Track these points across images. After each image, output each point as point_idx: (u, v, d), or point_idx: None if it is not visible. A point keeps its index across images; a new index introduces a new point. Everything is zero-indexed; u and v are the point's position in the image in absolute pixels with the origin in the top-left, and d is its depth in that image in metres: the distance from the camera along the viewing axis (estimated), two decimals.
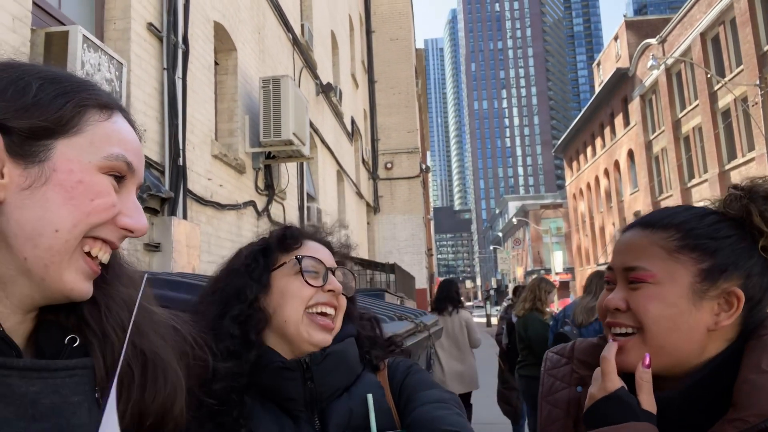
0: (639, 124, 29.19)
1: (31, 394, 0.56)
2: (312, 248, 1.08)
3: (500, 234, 78.97)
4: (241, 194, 6.14)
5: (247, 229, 6.15)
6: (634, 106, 29.51)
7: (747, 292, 0.83)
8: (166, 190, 4.38)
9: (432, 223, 32.46)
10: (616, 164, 33.14)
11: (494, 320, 24.04)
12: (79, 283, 0.63)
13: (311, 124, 7.99)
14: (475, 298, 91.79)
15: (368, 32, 16.92)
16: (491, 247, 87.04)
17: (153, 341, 0.69)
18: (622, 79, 30.55)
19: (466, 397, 5.61)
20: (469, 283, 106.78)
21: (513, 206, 68.72)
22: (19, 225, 0.59)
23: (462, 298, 5.99)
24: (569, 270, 46.24)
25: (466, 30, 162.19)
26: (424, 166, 20.36)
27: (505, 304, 7.65)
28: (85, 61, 3.29)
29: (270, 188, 6.91)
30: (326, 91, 9.84)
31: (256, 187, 6.59)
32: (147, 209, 4.21)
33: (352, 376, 1.03)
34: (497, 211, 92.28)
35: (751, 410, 0.75)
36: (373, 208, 16.11)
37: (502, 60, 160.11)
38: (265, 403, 0.98)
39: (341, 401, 0.99)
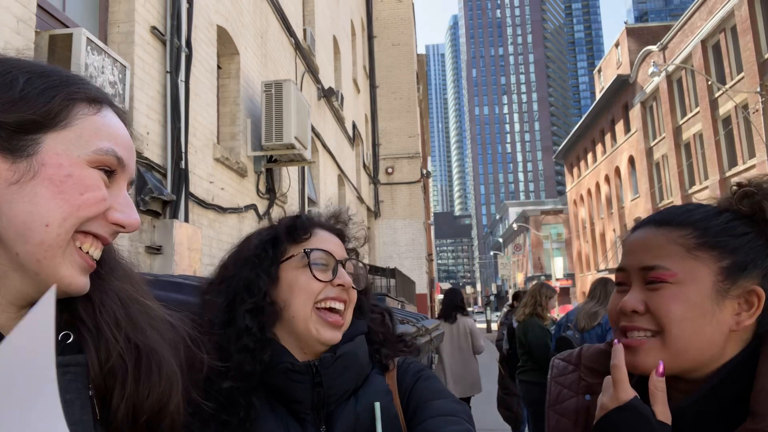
0: (640, 130, 29.23)
1: None
2: (322, 238, 1.04)
3: (500, 240, 78.94)
4: (243, 198, 6.14)
5: (248, 233, 6.14)
6: (635, 113, 29.56)
7: (765, 291, 0.80)
8: (168, 193, 4.39)
9: (432, 228, 32.45)
10: (617, 170, 33.16)
11: (494, 326, 24.00)
12: (76, 278, 0.62)
13: (313, 129, 8.00)
14: (476, 303, 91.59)
15: (370, 37, 16.98)
16: (491, 253, 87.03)
17: (149, 336, 0.68)
18: (623, 86, 30.62)
19: (465, 402, 5.62)
20: (469, 289, 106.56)
21: (513, 212, 68.71)
22: (9, 220, 0.58)
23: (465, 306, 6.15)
24: (569, 276, 46.19)
25: (468, 36, 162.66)
26: (424, 171, 20.38)
27: (505, 309, 7.63)
28: (88, 63, 3.30)
29: (271, 192, 6.91)
30: (328, 95, 9.86)
31: (258, 190, 6.60)
32: (149, 212, 4.22)
33: (361, 378, 1.01)
34: (497, 217, 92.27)
35: None
36: (374, 213, 16.12)
37: (503, 66, 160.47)
38: (271, 403, 0.96)
39: (348, 406, 0.97)
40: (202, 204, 5.10)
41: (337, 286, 0.99)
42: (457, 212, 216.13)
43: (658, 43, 26.38)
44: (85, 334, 0.64)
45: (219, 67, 6.01)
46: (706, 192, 22.82)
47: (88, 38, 3.30)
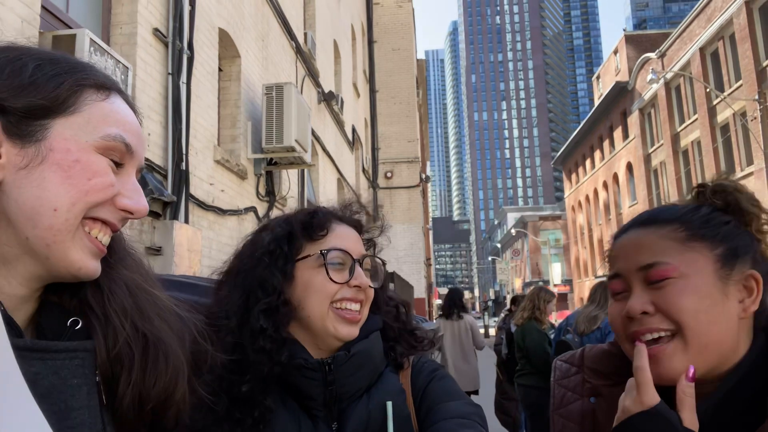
0: (638, 137, 29.31)
1: (30, 374, 0.55)
2: (339, 235, 1.01)
3: (499, 245, 78.96)
4: (243, 200, 6.15)
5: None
6: (633, 120, 29.65)
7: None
8: (168, 194, 4.39)
9: (431, 232, 32.45)
10: (615, 177, 33.23)
11: (492, 331, 23.97)
12: (86, 261, 0.62)
13: (313, 132, 8.02)
14: (473, 308, 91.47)
15: (370, 42, 17.03)
16: (490, 258, 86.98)
17: (156, 325, 0.69)
18: (622, 93, 30.72)
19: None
20: (467, 294, 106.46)
21: (512, 217, 68.80)
22: (19, 205, 0.59)
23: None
24: (567, 282, 46.19)
25: (467, 42, 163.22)
26: (423, 176, 20.40)
27: (503, 314, 7.63)
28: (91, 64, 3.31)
29: (271, 194, 6.92)
30: (328, 99, 9.88)
31: (258, 193, 6.61)
32: (149, 213, 4.22)
33: (375, 376, 0.99)
34: (496, 222, 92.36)
35: None
36: (373, 217, 16.10)
37: (502, 72, 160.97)
38: (284, 398, 0.95)
39: (360, 404, 0.95)
40: (202, 206, 5.10)
41: (353, 287, 0.97)
42: (455, 217, 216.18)
43: (657, 51, 26.49)
44: (93, 320, 0.65)
45: (220, 70, 6.03)
46: None
47: (91, 39, 3.32)
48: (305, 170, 8.30)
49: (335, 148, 10.96)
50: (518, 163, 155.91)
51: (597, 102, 34.76)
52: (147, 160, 4.24)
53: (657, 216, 0.85)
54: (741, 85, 19.95)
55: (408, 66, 18.59)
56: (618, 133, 32.29)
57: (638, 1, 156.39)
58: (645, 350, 0.77)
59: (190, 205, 4.75)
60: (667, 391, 0.76)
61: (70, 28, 3.64)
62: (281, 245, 0.99)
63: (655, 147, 27.95)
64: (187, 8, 4.83)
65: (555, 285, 41.38)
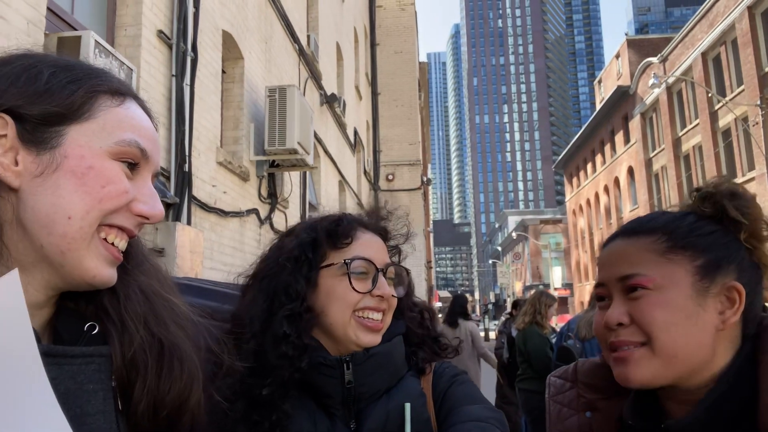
0: (639, 141, 29.32)
1: None
2: (364, 243, 1.01)
3: (499, 248, 78.90)
4: (245, 202, 6.16)
5: (249, 237, 6.16)
6: (635, 124, 29.66)
7: (744, 286, 0.79)
8: (171, 196, 4.40)
9: (431, 235, 32.44)
10: (616, 181, 33.23)
11: (492, 335, 23.96)
12: (101, 269, 0.62)
13: (315, 134, 8.03)
14: (473, 312, 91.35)
15: (372, 45, 17.05)
16: (490, 261, 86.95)
17: (172, 331, 0.69)
18: (623, 97, 30.74)
19: None
20: (467, 296, 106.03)
21: (512, 221, 68.72)
22: (34, 212, 0.59)
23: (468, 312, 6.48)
24: (568, 286, 46.15)
25: (469, 45, 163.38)
26: (425, 179, 20.41)
27: (503, 318, 7.63)
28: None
29: (273, 196, 6.93)
30: (330, 101, 9.90)
31: (260, 195, 6.61)
32: None
33: (395, 379, 0.99)
34: (497, 225, 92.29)
35: None
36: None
37: (504, 75, 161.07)
38: (302, 396, 0.95)
39: (379, 404, 0.95)
40: (205, 207, 5.11)
41: (376, 296, 0.97)
42: (456, 220, 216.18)
43: (659, 55, 26.51)
44: (109, 326, 0.65)
45: (223, 72, 6.04)
46: None
47: (96, 41, 3.33)
48: (307, 172, 8.31)
49: (337, 150, 10.98)
50: (519, 166, 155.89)
51: (598, 106, 34.77)
52: None
53: (640, 226, 0.85)
54: (743, 90, 19.96)
55: (410, 69, 18.61)
56: (619, 137, 32.30)
57: (640, 5, 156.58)
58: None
59: (192, 207, 4.75)
60: (647, 395, 0.78)
61: (75, 29, 3.65)
62: (306, 252, 0.99)
63: (656, 151, 27.95)
64: (191, 10, 4.85)
65: (555, 289, 41.35)
